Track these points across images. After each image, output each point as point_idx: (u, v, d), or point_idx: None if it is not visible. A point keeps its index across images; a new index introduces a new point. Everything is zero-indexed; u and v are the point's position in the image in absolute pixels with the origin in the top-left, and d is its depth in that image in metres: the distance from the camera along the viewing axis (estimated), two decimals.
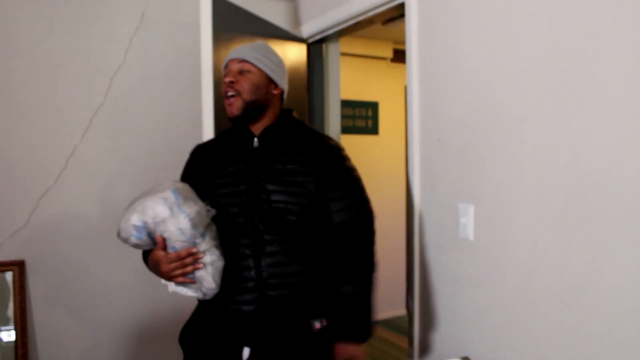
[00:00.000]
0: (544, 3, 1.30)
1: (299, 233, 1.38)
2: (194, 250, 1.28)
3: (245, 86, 1.41)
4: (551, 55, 1.29)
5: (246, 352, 1.35)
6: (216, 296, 1.35)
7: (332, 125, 2.62)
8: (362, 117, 4.29)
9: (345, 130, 4.06)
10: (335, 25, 2.28)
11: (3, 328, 1.96)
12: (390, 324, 4.23)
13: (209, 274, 1.32)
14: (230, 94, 1.42)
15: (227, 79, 1.42)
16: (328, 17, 2.28)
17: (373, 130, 4.34)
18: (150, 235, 1.30)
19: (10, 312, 1.97)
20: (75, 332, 2.12)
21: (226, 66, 1.46)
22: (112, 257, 2.16)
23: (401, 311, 4.38)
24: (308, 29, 2.45)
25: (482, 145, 1.51)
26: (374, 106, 4.35)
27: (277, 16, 2.56)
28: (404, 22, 1.82)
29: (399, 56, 4.29)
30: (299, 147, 1.44)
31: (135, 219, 1.28)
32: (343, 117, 4.03)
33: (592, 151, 1.19)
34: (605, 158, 1.16)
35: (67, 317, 2.10)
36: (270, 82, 1.46)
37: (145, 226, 1.28)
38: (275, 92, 1.48)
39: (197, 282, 1.32)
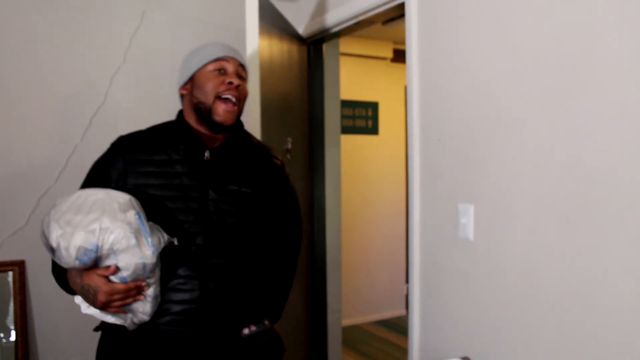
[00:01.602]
0: (544, 3, 1.30)
1: (244, 255, 1.33)
2: (144, 283, 1.15)
3: (244, 96, 1.31)
4: (551, 55, 1.29)
5: None
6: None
7: (332, 125, 2.62)
8: (362, 117, 4.30)
9: (345, 130, 4.06)
10: (335, 25, 2.29)
11: (3, 328, 1.96)
12: (390, 324, 4.24)
13: (146, 305, 1.18)
14: (232, 97, 1.27)
15: (235, 81, 1.26)
16: (328, 17, 2.28)
17: (373, 130, 4.34)
18: (97, 261, 1.11)
19: (10, 312, 1.97)
20: (75, 332, 2.12)
21: (218, 59, 1.29)
22: None
23: (401, 311, 4.38)
24: (308, 29, 2.45)
25: (482, 145, 1.51)
26: (374, 106, 4.35)
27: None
28: (404, 22, 1.83)
29: (399, 56, 4.29)
30: (250, 167, 1.35)
31: (83, 240, 1.07)
32: (343, 117, 4.04)
33: (591, 151, 1.19)
34: (605, 158, 1.16)
35: (67, 317, 2.10)
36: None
37: (97, 251, 1.08)
38: None
39: (130, 312, 1.17)
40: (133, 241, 1.09)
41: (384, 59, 4.35)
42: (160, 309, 1.23)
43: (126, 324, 1.20)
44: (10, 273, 1.99)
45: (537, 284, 1.34)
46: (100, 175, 1.29)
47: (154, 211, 1.21)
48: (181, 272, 1.24)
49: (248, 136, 1.42)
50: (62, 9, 2.08)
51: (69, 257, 1.09)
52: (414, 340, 1.81)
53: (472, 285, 1.56)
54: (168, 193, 1.24)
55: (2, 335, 1.96)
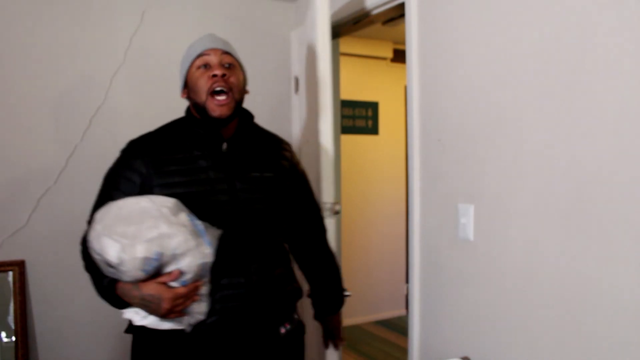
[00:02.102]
0: (544, 3, 1.30)
1: (276, 242, 1.37)
2: (201, 283, 1.14)
3: (235, 82, 1.26)
4: (551, 55, 1.29)
5: None
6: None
7: (333, 125, 2.61)
8: (362, 117, 4.30)
9: (345, 130, 4.07)
10: (335, 25, 2.29)
11: (3, 328, 1.96)
12: (390, 324, 4.24)
13: (202, 305, 1.17)
14: (221, 89, 1.23)
15: (218, 72, 1.23)
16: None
17: (373, 130, 4.34)
18: (159, 269, 1.09)
19: (11, 312, 1.97)
20: (75, 332, 2.12)
21: (200, 55, 1.26)
22: None
23: (401, 311, 4.38)
24: (307, 29, 2.45)
25: (482, 145, 1.51)
26: (374, 106, 4.35)
27: (276, 16, 2.56)
28: (404, 22, 1.83)
29: (399, 56, 4.30)
30: (268, 154, 1.37)
31: (146, 250, 1.03)
32: (343, 117, 4.04)
33: (592, 151, 1.19)
34: (605, 158, 1.16)
35: (67, 317, 2.10)
36: (245, 80, 1.35)
37: (159, 259, 1.06)
38: (246, 92, 1.36)
39: (187, 314, 1.15)
40: (192, 243, 1.07)
41: (384, 59, 4.35)
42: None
43: (184, 327, 1.17)
44: (10, 273, 1.99)
45: (537, 284, 1.34)
46: (123, 182, 1.26)
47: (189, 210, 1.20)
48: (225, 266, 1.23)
49: (257, 126, 1.43)
50: (62, 9, 2.08)
51: (134, 269, 1.05)
52: (414, 340, 1.81)
53: (472, 285, 1.56)
54: (196, 189, 1.23)
55: (2, 334, 1.96)
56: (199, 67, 1.26)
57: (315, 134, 1.97)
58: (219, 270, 1.20)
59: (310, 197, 1.53)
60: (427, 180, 1.75)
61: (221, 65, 1.26)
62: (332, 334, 1.65)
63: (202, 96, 1.24)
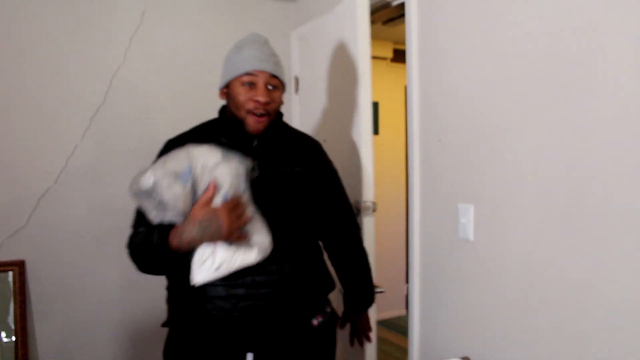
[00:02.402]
0: (544, 3, 1.30)
1: (307, 234, 1.41)
2: (243, 197, 1.16)
3: (274, 106, 1.34)
4: (551, 55, 1.29)
5: (249, 358, 1.29)
6: (219, 305, 1.25)
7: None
8: None
9: None
10: None
11: (3, 328, 1.96)
12: (390, 324, 4.24)
13: (258, 228, 1.18)
14: (261, 113, 1.31)
15: (262, 99, 1.29)
16: (327, 17, 2.28)
17: (373, 130, 4.33)
18: (194, 185, 1.10)
19: (11, 312, 1.97)
20: (75, 332, 2.12)
21: (249, 73, 1.31)
22: (112, 257, 2.16)
23: (401, 311, 4.38)
24: (307, 29, 2.45)
25: (482, 145, 1.51)
26: (374, 106, 4.34)
27: (276, 16, 2.56)
28: (404, 22, 1.83)
29: (399, 56, 4.29)
30: (297, 150, 1.42)
31: (176, 165, 1.08)
32: None
33: (592, 151, 1.19)
34: (605, 158, 1.16)
35: (67, 317, 2.10)
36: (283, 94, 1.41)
37: (191, 171, 1.08)
38: (281, 103, 1.42)
39: (250, 237, 1.16)
40: (219, 154, 1.12)
41: (384, 59, 4.34)
42: (235, 295, 1.24)
43: (259, 256, 1.17)
44: (10, 273, 1.99)
45: (537, 284, 1.34)
46: None
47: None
48: None
49: (286, 124, 1.48)
50: (62, 9, 2.08)
51: (170, 186, 1.06)
52: (414, 340, 1.81)
53: (472, 285, 1.56)
54: None
55: (2, 334, 1.96)
56: (243, 84, 1.31)
57: (342, 133, 1.97)
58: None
59: (341, 196, 1.54)
60: (427, 180, 1.75)
61: (266, 88, 1.31)
62: (358, 332, 1.65)
63: (242, 112, 1.31)
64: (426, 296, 1.76)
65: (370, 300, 1.62)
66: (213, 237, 1.12)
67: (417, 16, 1.76)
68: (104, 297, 2.17)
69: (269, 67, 1.31)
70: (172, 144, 1.36)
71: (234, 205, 1.13)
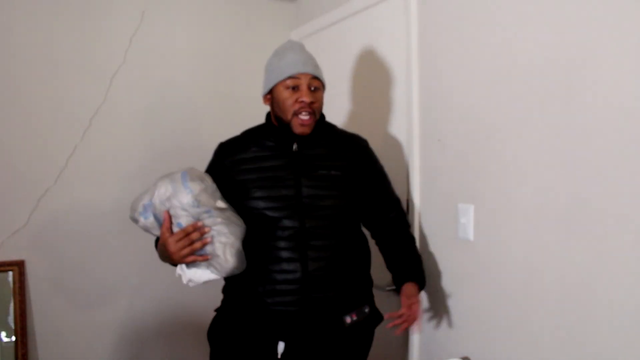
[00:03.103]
0: (544, 3, 1.30)
1: (343, 236, 1.45)
2: (199, 224, 1.27)
3: (318, 106, 1.43)
4: (551, 55, 1.29)
5: (281, 346, 1.39)
6: (255, 295, 1.39)
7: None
8: None
9: None
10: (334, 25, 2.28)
11: (3, 328, 1.96)
12: None
13: (220, 249, 1.28)
14: (307, 112, 1.40)
15: (307, 99, 1.38)
16: (327, 17, 2.28)
17: None
18: (156, 216, 1.31)
19: (11, 312, 1.97)
20: (75, 332, 2.12)
21: (292, 77, 1.40)
22: (112, 257, 2.16)
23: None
24: (307, 29, 2.45)
25: (482, 145, 1.51)
26: None
27: (276, 16, 2.56)
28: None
29: None
30: (338, 153, 1.48)
31: (144, 199, 1.32)
32: None
33: (592, 151, 1.19)
34: (605, 158, 1.16)
35: (67, 317, 2.10)
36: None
37: (151, 205, 1.30)
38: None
39: (210, 257, 1.29)
40: (171, 190, 1.28)
41: None
42: (268, 289, 1.38)
43: (218, 274, 1.31)
44: (10, 273, 1.99)
45: (536, 284, 1.34)
46: (213, 176, 1.45)
47: (254, 201, 1.39)
48: (284, 254, 1.38)
49: (331, 126, 1.55)
50: (62, 9, 2.08)
51: (135, 213, 1.33)
52: (414, 340, 1.81)
53: (472, 285, 1.56)
54: (264, 184, 1.40)
55: (2, 334, 1.96)
56: (287, 87, 1.40)
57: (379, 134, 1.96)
58: (275, 259, 1.38)
59: (388, 193, 1.60)
60: (427, 180, 1.75)
61: (309, 89, 1.40)
62: (405, 308, 1.46)
63: (288, 115, 1.40)
64: (426, 296, 1.76)
65: (422, 281, 1.54)
66: (170, 260, 1.30)
67: (417, 16, 1.76)
68: (104, 297, 2.17)
69: (310, 69, 1.41)
70: (224, 147, 1.52)
71: (184, 234, 1.26)
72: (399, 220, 1.62)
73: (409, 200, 1.83)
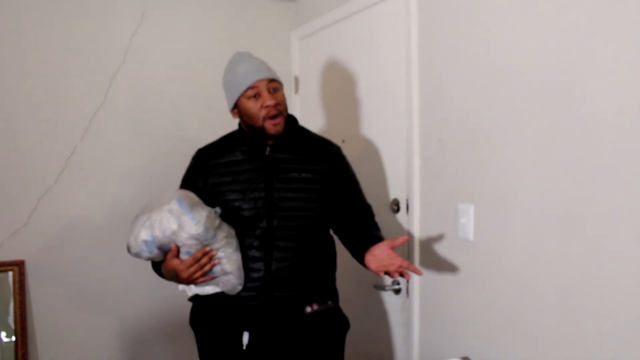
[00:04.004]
0: (544, 3, 1.30)
1: (309, 238, 1.50)
2: (207, 249, 1.35)
3: (283, 104, 1.49)
4: (551, 55, 1.29)
5: (246, 336, 1.46)
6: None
7: None
8: None
9: None
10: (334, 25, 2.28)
11: (3, 328, 1.96)
12: None
13: (226, 266, 1.38)
14: (274, 114, 1.46)
15: (271, 102, 1.44)
16: (327, 17, 2.28)
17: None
18: (161, 248, 1.34)
19: (11, 312, 1.97)
20: (75, 332, 2.12)
21: (250, 87, 1.45)
22: (112, 257, 2.16)
23: None
24: (307, 29, 2.45)
25: (482, 145, 1.51)
26: None
27: (276, 16, 2.56)
28: None
29: None
30: (309, 156, 1.53)
31: (144, 234, 1.32)
32: None
33: (591, 150, 1.19)
34: (605, 157, 1.16)
35: (67, 317, 2.10)
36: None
37: (154, 240, 1.32)
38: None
39: (217, 276, 1.39)
40: (176, 224, 1.31)
41: None
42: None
43: (225, 289, 1.43)
44: (10, 273, 1.99)
45: (536, 284, 1.34)
46: (187, 181, 1.57)
47: (228, 203, 1.46)
48: (251, 253, 1.45)
49: (305, 130, 1.61)
50: (62, 9, 2.08)
51: (138, 249, 1.34)
52: (414, 340, 1.81)
53: (472, 285, 1.56)
54: (238, 187, 1.47)
55: (2, 334, 1.96)
56: (250, 98, 1.46)
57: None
58: (245, 256, 1.44)
59: (359, 198, 1.62)
60: (427, 180, 1.75)
61: (269, 93, 1.46)
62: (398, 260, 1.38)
63: (258, 122, 1.46)
64: (426, 296, 1.76)
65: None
66: (178, 281, 1.39)
67: (417, 16, 1.76)
68: (104, 297, 2.17)
69: (264, 75, 1.47)
70: (202, 153, 1.57)
71: (194, 260, 1.34)
72: (369, 220, 1.62)
73: (408, 200, 1.83)
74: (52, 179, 2.07)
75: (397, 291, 1.89)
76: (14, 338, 1.97)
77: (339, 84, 2.20)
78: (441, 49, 1.66)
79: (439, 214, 1.69)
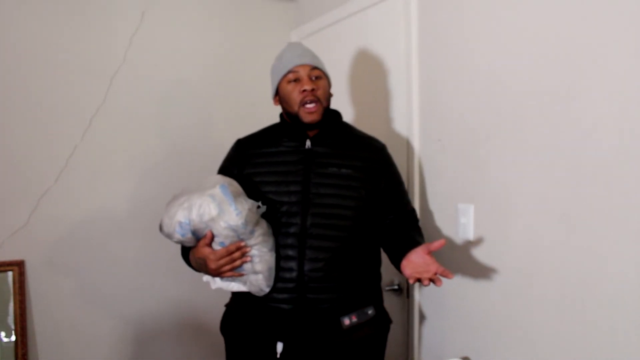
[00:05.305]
0: (544, 3, 1.31)
1: (347, 238, 1.41)
2: (242, 244, 1.30)
3: (322, 93, 1.44)
4: (551, 55, 1.29)
5: (280, 346, 1.39)
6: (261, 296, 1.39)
7: None
8: None
9: None
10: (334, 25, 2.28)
11: (3, 328, 1.96)
12: None
13: (257, 266, 1.32)
14: (311, 100, 1.42)
15: (308, 87, 1.41)
16: (327, 17, 2.28)
17: None
18: (195, 232, 1.29)
19: (11, 312, 1.97)
20: (75, 332, 2.12)
21: (291, 71, 1.43)
22: (112, 257, 2.16)
23: None
24: (307, 29, 2.45)
25: (482, 145, 1.51)
26: None
27: (276, 16, 2.56)
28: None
29: None
30: (351, 152, 1.48)
31: (180, 216, 1.27)
32: None
33: (591, 151, 1.19)
34: (605, 157, 1.16)
35: (67, 317, 2.10)
36: (330, 86, 1.50)
37: (190, 223, 1.27)
38: (331, 96, 1.51)
39: (246, 274, 1.34)
40: (216, 210, 1.25)
41: None
42: (276, 287, 1.38)
43: (250, 289, 1.37)
44: (10, 273, 1.99)
45: (536, 284, 1.34)
46: (224, 171, 1.51)
47: (263, 194, 1.41)
48: (284, 252, 1.39)
49: (348, 126, 1.57)
50: (62, 9, 2.08)
51: (171, 230, 1.28)
52: (414, 340, 1.81)
53: (472, 285, 1.56)
54: (273, 179, 1.43)
55: (2, 334, 1.96)
56: (290, 82, 1.44)
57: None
58: (277, 254, 1.38)
59: (401, 199, 1.54)
60: (427, 180, 1.75)
61: (310, 79, 1.43)
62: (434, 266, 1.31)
63: (295, 107, 1.43)
64: (426, 296, 1.76)
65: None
66: (205, 272, 1.35)
67: (417, 16, 1.76)
68: (104, 297, 2.17)
69: (307, 61, 1.44)
70: (241, 143, 1.54)
71: (227, 252, 1.29)
72: (412, 221, 1.55)
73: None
74: (52, 179, 2.07)
75: (398, 291, 1.89)
76: (13, 338, 1.97)
77: (339, 83, 2.20)
78: (441, 49, 1.66)
79: (439, 214, 1.69)
